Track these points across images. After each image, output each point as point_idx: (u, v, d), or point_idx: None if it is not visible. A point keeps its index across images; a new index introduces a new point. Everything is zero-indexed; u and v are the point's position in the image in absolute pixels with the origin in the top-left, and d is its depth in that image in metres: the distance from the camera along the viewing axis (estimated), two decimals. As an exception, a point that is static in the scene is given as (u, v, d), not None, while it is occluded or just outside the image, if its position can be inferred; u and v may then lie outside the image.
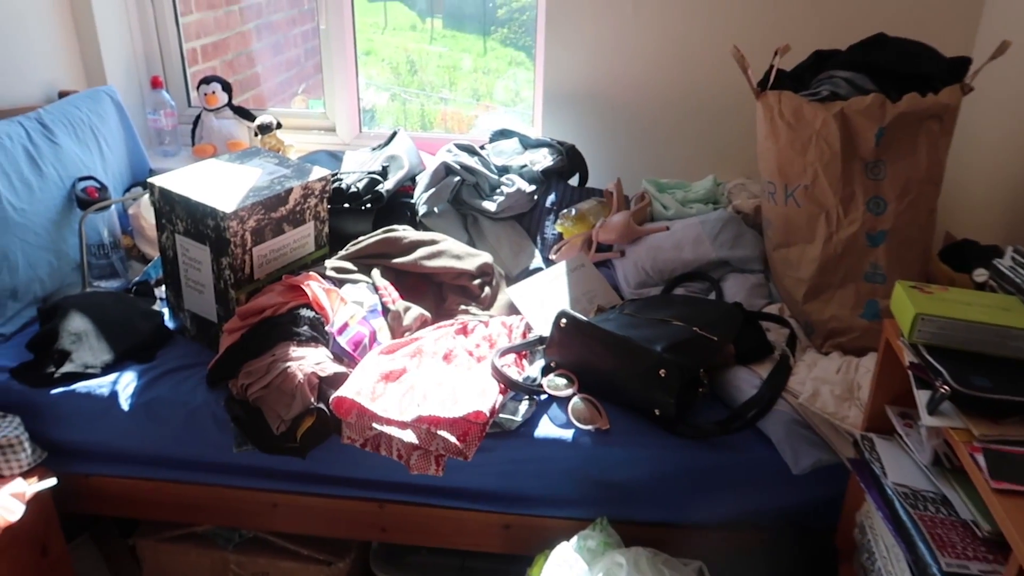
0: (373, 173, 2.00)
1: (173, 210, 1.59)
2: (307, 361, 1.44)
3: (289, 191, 1.61)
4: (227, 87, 2.46)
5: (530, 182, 2.05)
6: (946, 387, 1.01)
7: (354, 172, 2.01)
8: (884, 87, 1.55)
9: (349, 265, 1.73)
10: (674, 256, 1.82)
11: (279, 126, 2.41)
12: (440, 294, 1.80)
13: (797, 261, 1.64)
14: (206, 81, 2.45)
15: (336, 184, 1.93)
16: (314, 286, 1.56)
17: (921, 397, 1.06)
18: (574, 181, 2.20)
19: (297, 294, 1.57)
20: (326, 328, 1.53)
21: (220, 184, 1.60)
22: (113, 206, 1.93)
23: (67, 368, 1.55)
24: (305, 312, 1.52)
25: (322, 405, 1.39)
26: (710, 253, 1.80)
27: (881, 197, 1.53)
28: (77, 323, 1.60)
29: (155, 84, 2.43)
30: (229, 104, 2.48)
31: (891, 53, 1.62)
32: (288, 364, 1.42)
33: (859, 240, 1.55)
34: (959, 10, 2.07)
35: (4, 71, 2.05)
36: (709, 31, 2.19)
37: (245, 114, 2.50)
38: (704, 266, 1.81)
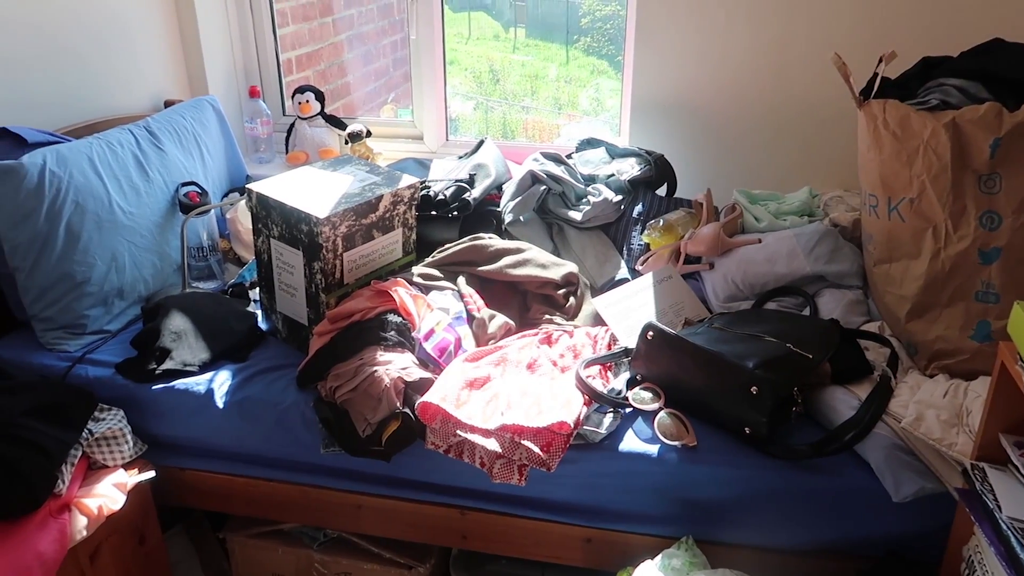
0: (460, 181, 2.01)
1: (269, 215, 1.64)
2: (393, 366, 1.45)
3: (379, 198, 1.64)
4: (320, 96, 2.54)
5: (617, 192, 2.02)
6: (1073, 417, 0.94)
7: (441, 180, 2.03)
8: (1000, 96, 1.46)
9: (435, 272, 1.74)
10: (766, 270, 1.76)
11: (369, 134, 2.47)
12: (525, 303, 1.79)
13: (900, 278, 1.57)
14: (300, 91, 2.52)
15: (424, 192, 1.96)
16: (401, 292, 1.58)
17: (1044, 427, 0.99)
18: (662, 191, 2.17)
19: (385, 299, 1.59)
20: (412, 334, 1.54)
21: (314, 191, 1.64)
22: (212, 211, 2.00)
23: (167, 365, 1.61)
24: (392, 317, 1.54)
25: (407, 410, 1.41)
26: (804, 267, 1.74)
27: (996, 212, 1.44)
28: (178, 322, 1.67)
29: (253, 94, 2.53)
30: (322, 113, 2.55)
31: (1008, 59, 1.53)
32: (375, 368, 1.44)
33: (970, 257, 1.47)
34: (1083, 13, 1.94)
35: (116, 82, 2.18)
36: (804, 38, 2.12)
37: (336, 122, 2.56)
38: (798, 281, 1.75)
